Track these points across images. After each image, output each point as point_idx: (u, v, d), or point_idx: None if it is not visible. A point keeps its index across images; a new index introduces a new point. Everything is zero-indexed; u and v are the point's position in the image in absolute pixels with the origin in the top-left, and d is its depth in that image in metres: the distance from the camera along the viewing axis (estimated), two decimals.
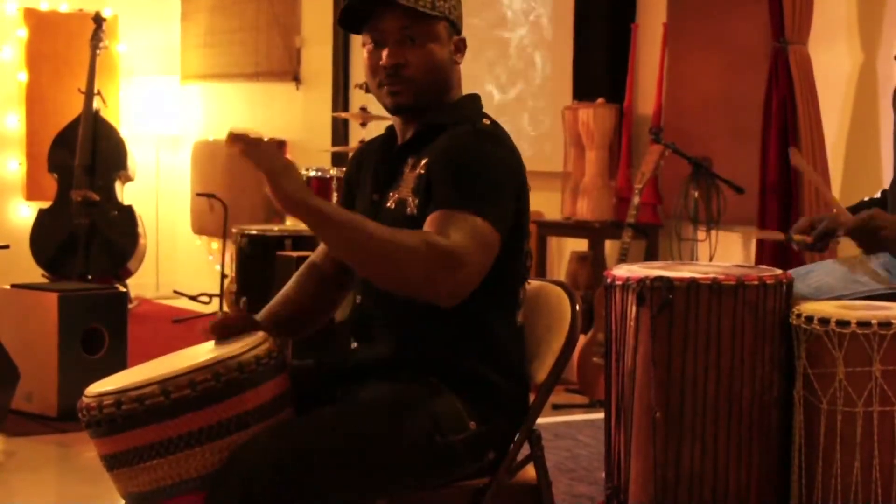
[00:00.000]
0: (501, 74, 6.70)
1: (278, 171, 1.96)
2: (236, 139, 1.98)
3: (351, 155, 2.48)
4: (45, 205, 7.72)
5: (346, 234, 2.02)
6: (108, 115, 7.82)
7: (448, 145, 2.21)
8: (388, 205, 2.27)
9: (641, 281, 2.88)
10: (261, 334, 2.15)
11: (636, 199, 5.02)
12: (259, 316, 2.35)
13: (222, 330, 2.23)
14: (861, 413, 2.72)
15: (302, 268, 2.46)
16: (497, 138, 2.24)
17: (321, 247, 2.51)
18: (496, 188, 2.16)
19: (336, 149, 7.45)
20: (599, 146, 5.84)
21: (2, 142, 8.28)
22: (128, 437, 2.01)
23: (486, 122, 2.29)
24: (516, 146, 2.29)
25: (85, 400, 2.06)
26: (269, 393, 2.07)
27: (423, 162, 2.23)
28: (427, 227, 2.11)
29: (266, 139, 2.01)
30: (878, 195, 3.36)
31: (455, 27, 2.30)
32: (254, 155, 1.96)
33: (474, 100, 2.36)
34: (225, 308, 7.03)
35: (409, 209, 2.23)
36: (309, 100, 8.07)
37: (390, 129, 2.40)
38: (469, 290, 2.09)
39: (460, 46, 2.32)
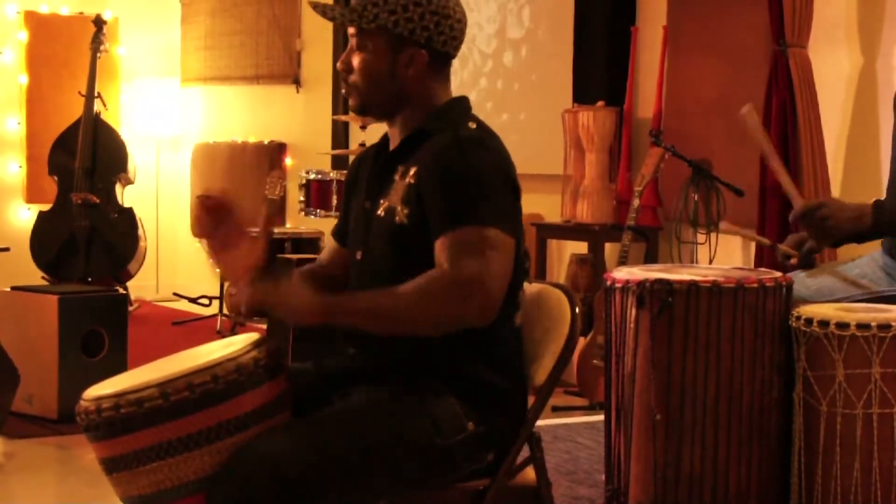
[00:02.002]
0: (501, 77, 6.71)
1: (281, 298, 2.11)
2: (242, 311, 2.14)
3: (352, 160, 2.52)
4: (46, 207, 7.72)
5: (357, 318, 2.15)
6: (108, 117, 7.82)
7: (434, 160, 2.21)
8: (379, 213, 2.29)
9: (641, 283, 2.89)
10: (258, 336, 2.15)
11: (636, 202, 5.02)
12: None
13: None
14: (860, 415, 2.72)
15: (307, 266, 2.49)
16: (481, 142, 2.24)
17: (325, 252, 2.53)
18: (492, 193, 2.17)
19: (336, 151, 7.46)
20: (599, 149, 5.85)
21: (2, 144, 8.28)
22: (127, 440, 2.01)
23: (472, 125, 2.29)
24: (505, 147, 2.29)
25: (83, 404, 2.06)
26: (267, 395, 2.07)
27: (413, 171, 2.24)
28: (440, 253, 2.14)
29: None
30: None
31: (403, 40, 2.27)
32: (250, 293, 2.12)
33: (460, 103, 2.36)
34: (225, 311, 7.03)
35: (397, 218, 2.24)
36: (309, 102, 8.08)
37: (385, 136, 2.41)
38: (499, 302, 2.13)
39: (414, 59, 2.28)
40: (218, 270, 2.20)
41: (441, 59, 2.31)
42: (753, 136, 3.36)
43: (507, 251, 2.15)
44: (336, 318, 2.14)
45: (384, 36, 2.27)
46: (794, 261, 3.23)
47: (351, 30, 2.31)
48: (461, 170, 2.18)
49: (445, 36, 2.29)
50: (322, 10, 2.34)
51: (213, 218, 2.23)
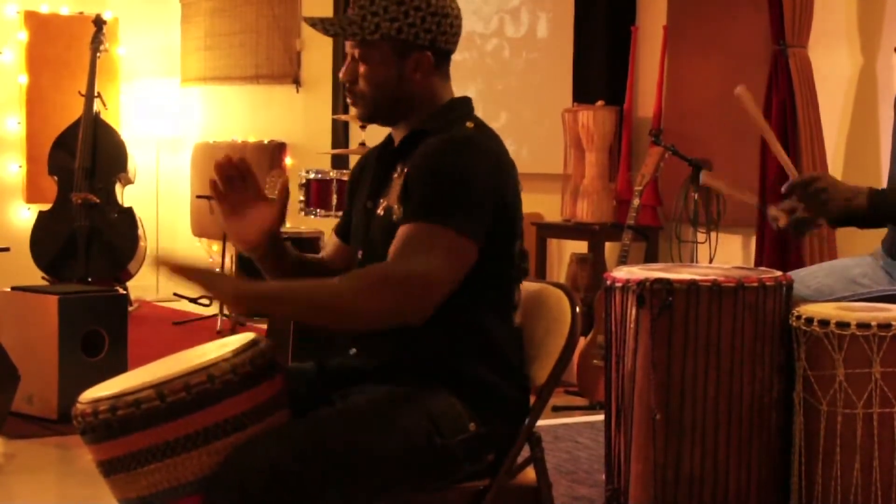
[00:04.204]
0: (501, 76, 6.70)
1: (208, 279, 2.06)
2: (160, 264, 2.10)
3: (352, 159, 2.52)
4: (46, 207, 7.72)
5: (295, 306, 2.11)
6: (108, 117, 7.82)
7: (422, 156, 2.21)
8: (378, 212, 2.30)
9: (641, 283, 2.89)
10: (255, 336, 2.15)
11: (636, 201, 5.02)
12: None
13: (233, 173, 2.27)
14: (861, 415, 2.72)
15: (309, 256, 2.52)
16: (473, 143, 2.23)
17: (327, 249, 2.53)
18: (464, 195, 2.15)
19: (336, 151, 7.45)
20: (599, 148, 5.85)
21: (2, 144, 8.28)
22: (124, 442, 2.00)
23: (470, 124, 2.29)
24: (504, 148, 2.28)
25: (79, 406, 2.05)
26: (264, 394, 2.07)
27: (406, 169, 2.25)
28: (396, 241, 2.14)
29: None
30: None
31: (408, 45, 2.26)
32: (182, 274, 2.07)
33: (462, 103, 2.35)
34: (225, 311, 7.03)
35: (394, 216, 2.24)
36: (309, 102, 8.08)
37: (389, 135, 2.41)
38: (436, 304, 2.11)
39: (421, 63, 2.27)
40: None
41: (444, 58, 2.32)
42: (750, 114, 3.31)
43: (461, 258, 2.14)
44: (272, 305, 2.11)
45: (388, 44, 2.26)
46: (781, 223, 3.19)
47: (350, 42, 2.30)
48: (446, 168, 2.17)
49: (447, 35, 2.29)
50: (323, 27, 2.31)
51: (227, 182, 2.27)
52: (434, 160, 2.19)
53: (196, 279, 2.05)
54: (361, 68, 2.29)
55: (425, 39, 2.26)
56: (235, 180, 2.32)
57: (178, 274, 2.06)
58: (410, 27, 2.25)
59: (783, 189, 3.09)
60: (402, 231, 2.14)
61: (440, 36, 2.27)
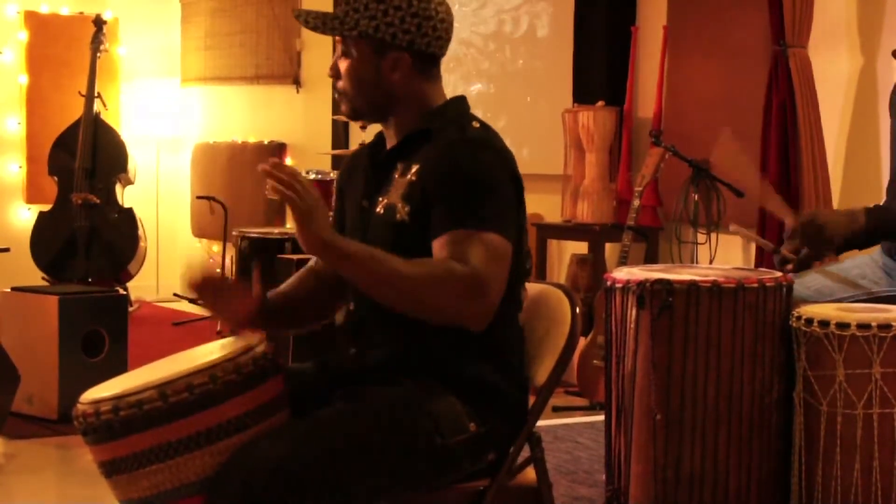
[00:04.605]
0: (501, 77, 6.70)
1: (307, 212, 2.06)
2: (273, 172, 2.07)
3: (343, 161, 2.52)
4: (46, 207, 7.72)
5: (369, 272, 2.11)
6: (108, 117, 7.82)
7: (440, 158, 2.21)
8: (378, 210, 2.29)
9: (641, 283, 2.89)
10: (256, 336, 2.15)
11: (636, 202, 5.02)
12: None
13: (204, 285, 2.26)
14: (861, 415, 2.72)
15: (301, 270, 2.48)
16: (487, 143, 2.25)
17: None
18: (498, 198, 2.18)
19: (336, 151, 7.46)
20: (599, 149, 5.85)
21: (2, 145, 8.28)
22: (126, 442, 2.00)
23: (476, 124, 2.29)
24: (507, 147, 2.29)
25: (80, 407, 2.05)
26: (266, 395, 2.07)
27: (415, 169, 2.24)
28: (441, 250, 2.14)
29: (302, 173, 2.19)
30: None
31: (385, 45, 2.27)
32: (287, 194, 2.06)
33: (459, 103, 2.36)
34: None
35: (398, 215, 2.24)
36: (309, 102, 8.08)
37: (379, 135, 2.42)
38: (495, 308, 2.14)
39: (398, 63, 2.28)
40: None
41: (427, 60, 2.31)
42: (736, 161, 3.37)
43: (507, 259, 2.17)
44: (348, 264, 2.11)
45: (367, 42, 2.27)
46: (790, 267, 3.22)
47: (338, 38, 2.32)
48: (470, 169, 2.18)
49: (429, 37, 2.28)
50: (304, 20, 2.33)
51: (203, 290, 2.29)
52: (456, 163, 2.20)
53: (296, 206, 2.05)
54: (343, 64, 2.31)
55: (403, 40, 2.26)
56: (210, 287, 2.30)
57: (282, 194, 2.06)
58: (388, 27, 2.25)
59: (784, 237, 3.13)
60: (445, 239, 2.14)
61: (420, 38, 2.27)
